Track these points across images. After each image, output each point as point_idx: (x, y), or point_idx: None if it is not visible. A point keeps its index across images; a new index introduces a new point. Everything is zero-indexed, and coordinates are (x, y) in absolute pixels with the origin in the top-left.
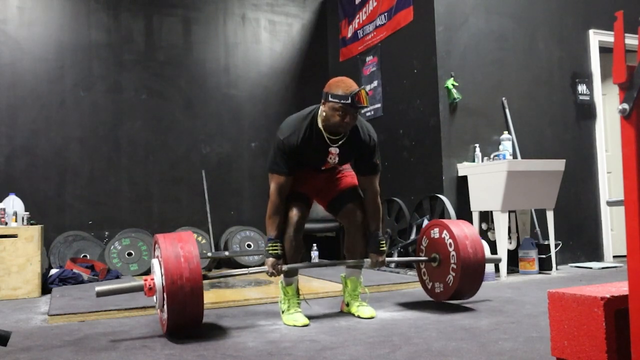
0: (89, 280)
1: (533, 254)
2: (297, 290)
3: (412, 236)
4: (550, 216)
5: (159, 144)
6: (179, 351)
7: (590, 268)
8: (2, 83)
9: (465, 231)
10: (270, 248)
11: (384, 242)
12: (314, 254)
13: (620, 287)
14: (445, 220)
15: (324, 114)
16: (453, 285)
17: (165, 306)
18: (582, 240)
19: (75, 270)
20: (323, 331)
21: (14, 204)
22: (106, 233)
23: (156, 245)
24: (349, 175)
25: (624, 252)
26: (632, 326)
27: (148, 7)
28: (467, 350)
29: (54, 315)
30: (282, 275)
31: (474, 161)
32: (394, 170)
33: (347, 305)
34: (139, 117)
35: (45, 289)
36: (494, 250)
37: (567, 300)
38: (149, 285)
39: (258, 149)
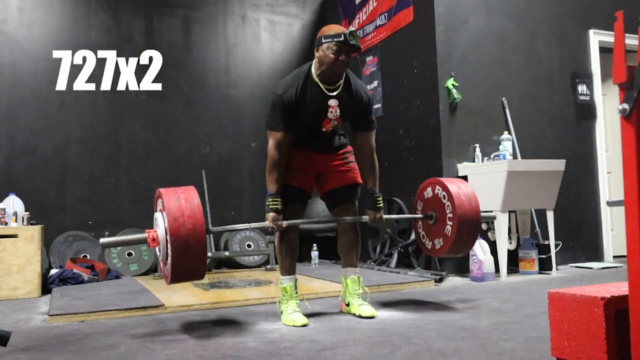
0: (89, 281)
1: (533, 254)
2: (296, 290)
3: (412, 236)
4: (550, 216)
5: (159, 144)
6: (179, 351)
7: (590, 268)
8: (2, 83)
9: (459, 185)
10: (271, 203)
11: (380, 198)
12: (314, 254)
13: (620, 287)
14: (438, 178)
15: (318, 59)
16: (451, 236)
17: (169, 251)
18: (582, 240)
19: (75, 270)
20: (323, 331)
21: (14, 204)
22: (106, 233)
23: (159, 200)
24: (353, 170)
25: (624, 252)
26: (632, 326)
27: (148, 7)
28: (467, 350)
29: (54, 315)
30: (280, 275)
31: (474, 161)
32: (394, 170)
33: (348, 305)
34: (139, 117)
35: (45, 289)
36: (494, 250)
37: (567, 300)
38: (152, 236)
39: (258, 149)
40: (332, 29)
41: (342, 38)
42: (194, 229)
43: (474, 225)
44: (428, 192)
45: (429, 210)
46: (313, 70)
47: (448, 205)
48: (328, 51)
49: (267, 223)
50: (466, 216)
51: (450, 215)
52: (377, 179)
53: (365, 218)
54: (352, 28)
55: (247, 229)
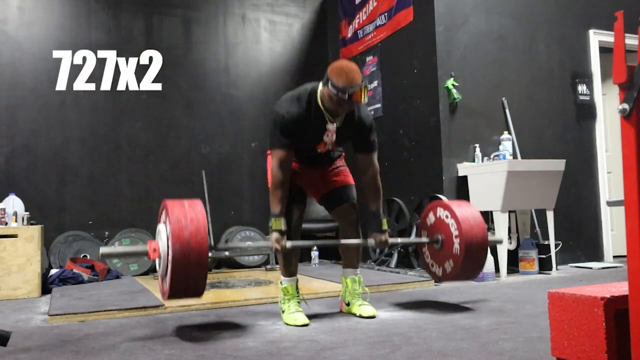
0: (89, 280)
1: (533, 254)
2: (297, 289)
3: (412, 236)
4: (550, 216)
5: (159, 144)
6: (179, 351)
7: (590, 268)
8: (2, 83)
9: (459, 203)
10: (274, 223)
11: (385, 220)
12: (314, 254)
13: (620, 287)
14: (436, 201)
15: (325, 93)
16: (461, 253)
17: (168, 268)
18: (582, 240)
19: (75, 270)
20: (323, 331)
21: (14, 204)
22: (106, 233)
23: (163, 211)
24: (344, 172)
25: (624, 252)
26: (632, 326)
27: (148, 7)
28: (467, 350)
29: (54, 315)
30: (281, 275)
31: (474, 161)
32: (394, 170)
33: (348, 305)
34: (139, 117)
35: (45, 289)
36: (494, 250)
37: (567, 300)
38: (154, 247)
39: (258, 149)
40: (342, 76)
41: (345, 96)
42: (197, 231)
43: (481, 239)
44: (430, 218)
45: (434, 235)
46: (319, 96)
47: (452, 224)
48: (330, 99)
49: (270, 243)
50: (472, 231)
51: (456, 232)
52: (380, 201)
53: (371, 242)
54: (363, 81)
55: (249, 248)
